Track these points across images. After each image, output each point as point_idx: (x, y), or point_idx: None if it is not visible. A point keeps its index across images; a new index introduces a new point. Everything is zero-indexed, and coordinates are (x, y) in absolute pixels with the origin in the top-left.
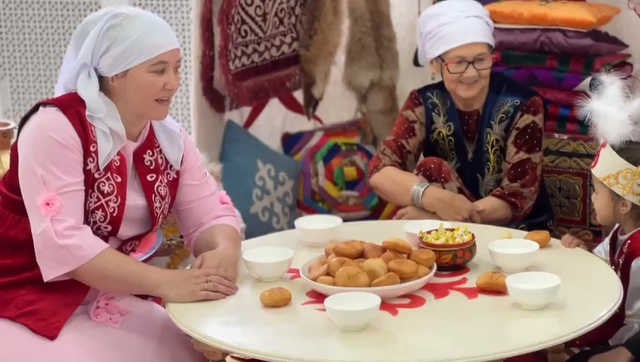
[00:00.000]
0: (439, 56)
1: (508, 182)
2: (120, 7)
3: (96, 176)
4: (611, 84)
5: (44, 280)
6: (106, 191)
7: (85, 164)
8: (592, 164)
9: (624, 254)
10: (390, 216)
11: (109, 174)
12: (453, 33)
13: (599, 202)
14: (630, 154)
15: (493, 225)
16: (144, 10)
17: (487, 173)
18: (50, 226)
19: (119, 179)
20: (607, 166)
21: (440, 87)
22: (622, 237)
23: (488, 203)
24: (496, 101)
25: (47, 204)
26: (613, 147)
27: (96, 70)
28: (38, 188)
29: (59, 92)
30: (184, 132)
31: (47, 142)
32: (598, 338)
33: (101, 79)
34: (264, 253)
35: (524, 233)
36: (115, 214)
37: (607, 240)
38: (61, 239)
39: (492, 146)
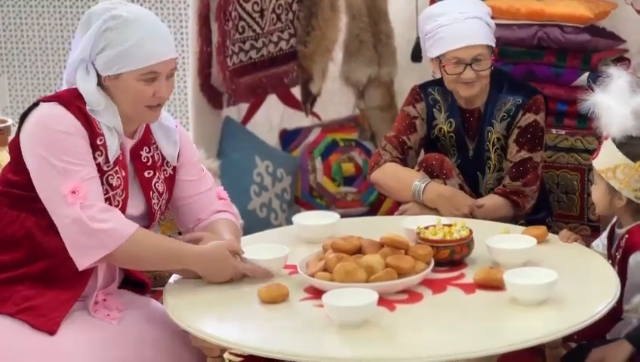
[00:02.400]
0: (437, 57)
1: (509, 180)
2: (123, 5)
3: (105, 168)
4: (618, 77)
5: (80, 269)
6: (114, 185)
7: (94, 157)
8: (594, 156)
9: (622, 248)
10: (388, 213)
11: (117, 168)
12: (451, 35)
13: (597, 194)
14: (630, 150)
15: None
16: (147, 13)
17: (488, 171)
18: (81, 213)
19: (123, 174)
20: (606, 159)
21: (441, 83)
22: (619, 231)
23: (490, 201)
24: (498, 99)
25: (74, 193)
26: (613, 141)
27: (94, 65)
28: (61, 179)
29: (64, 86)
30: (180, 127)
31: (58, 136)
32: (596, 333)
33: (99, 75)
34: (260, 250)
35: (522, 228)
36: (119, 208)
37: (605, 234)
38: (95, 223)
39: (493, 145)
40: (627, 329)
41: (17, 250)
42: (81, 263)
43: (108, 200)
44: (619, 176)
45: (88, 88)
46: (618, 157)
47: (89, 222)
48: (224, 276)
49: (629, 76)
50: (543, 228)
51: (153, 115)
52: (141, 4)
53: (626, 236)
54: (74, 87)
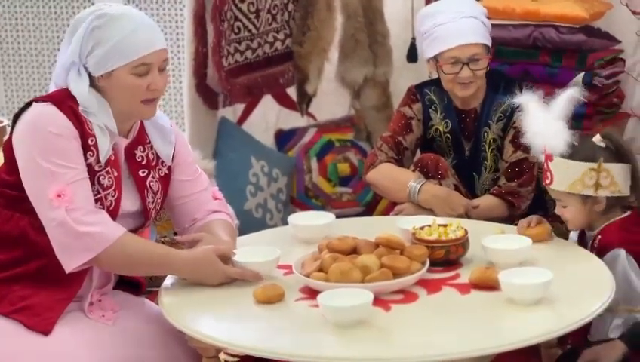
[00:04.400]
0: (434, 57)
1: (505, 181)
2: (108, 5)
3: (97, 168)
4: (530, 101)
5: (67, 271)
6: (105, 185)
7: (85, 157)
8: (548, 182)
9: (595, 249)
10: (384, 213)
11: (108, 168)
12: (448, 34)
13: (573, 212)
14: (583, 155)
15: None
16: (131, 10)
17: (484, 171)
18: (66, 216)
19: (116, 174)
20: (567, 175)
21: (437, 83)
22: (591, 233)
23: (485, 201)
24: (494, 100)
25: (59, 196)
26: (563, 156)
27: (85, 68)
28: (47, 182)
29: (52, 88)
30: (175, 127)
31: (48, 137)
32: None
33: (91, 76)
34: (251, 252)
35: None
36: (112, 208)
37: (574, 236)
38: (81, 226)
39: (489, 145)
40: (603, 327)
41: (13, 249)
42: (68, 266)
43: (99, 200)
44: (588, 182)
45: (81, 90)
46: (579, 167)
47: (75, 225)
48: (213, 281)
49: (536, 95)
50: (546, 227)
51: (150, 110)
52: (137, 5)
53: (599, 237)
54: (66, 87)
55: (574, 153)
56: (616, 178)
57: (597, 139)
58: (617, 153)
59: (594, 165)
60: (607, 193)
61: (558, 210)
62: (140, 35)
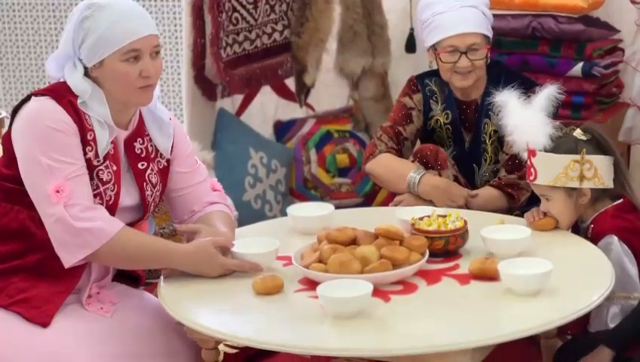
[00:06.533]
0: (433, 45)
1: (505, 173)
2: None
3: (95, 163)
4: (509, 99)
5: (66, 266)
6: (105, 179)
7: (84, 152)
8: (532, 178)
9: (589, 239)
10: (383, 204)
11: (107, 162)
12: (446, 22)
13: (558, 207)
14: (565, 147)
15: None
16: None
17: (484, 163)
18: (64, 212)
19: (114, 168)
20: (551, 169)
21: (438, 74)
22: (583, 225)
23: (485, 192)
24: (495, 91)
25: (58, 192)
26: (545, 150)
27: (80, 60)
28: (46, 177)
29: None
30: (175, 119)
31: (47, 132)
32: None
33: (87, 69)
34: (250, 243)
35: (518, 219)
36: (111, 202)
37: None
38: (79, 222)
39: (490, 137)
40: (601, 317)
41: (12, 242)
42: (67, 261)
43: (99, 195)
44: (572, 174)
45: (75, 78)
46: (562, 160)
47: (73, 221)
48: (211, 273)
49: (514, 92)
50: (551, 220)
51: (146, 97)
52: None
53: (592, 226)
54: (63, 80)
55: (557, 146)
56: (599, 170)
57: (578, 133)
58: (599, 146)
59: (577, 157)
60: (591, 185)
61: (543, 206)
62: (128, 22)
